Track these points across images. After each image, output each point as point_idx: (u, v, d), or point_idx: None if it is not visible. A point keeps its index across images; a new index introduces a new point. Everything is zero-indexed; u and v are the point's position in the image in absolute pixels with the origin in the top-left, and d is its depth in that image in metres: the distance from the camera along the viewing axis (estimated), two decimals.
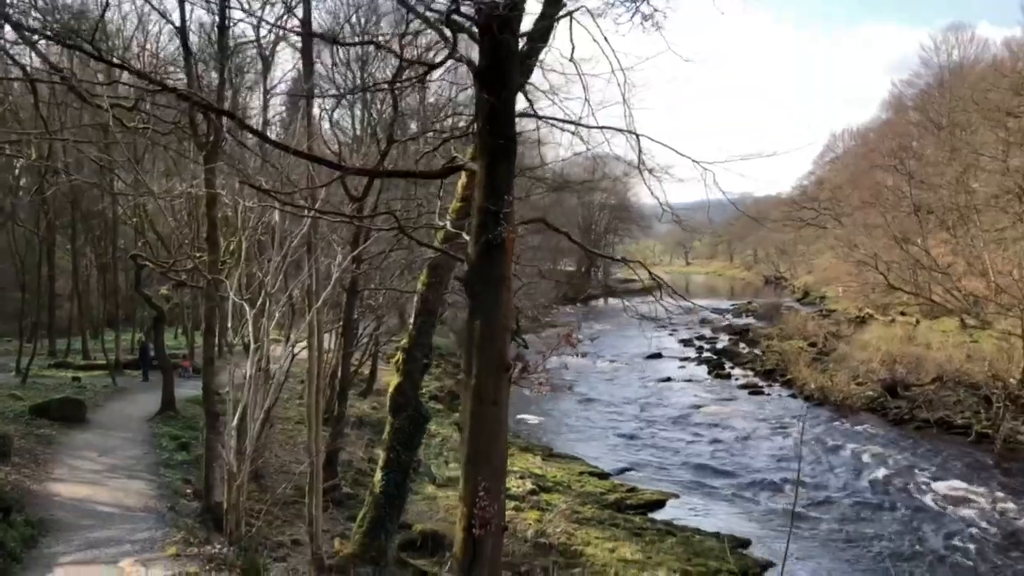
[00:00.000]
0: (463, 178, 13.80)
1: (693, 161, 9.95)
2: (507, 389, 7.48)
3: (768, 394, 41.65)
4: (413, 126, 25.99)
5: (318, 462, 12.43)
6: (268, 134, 21.05)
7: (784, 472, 27.42)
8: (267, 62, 30.50)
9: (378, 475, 14.30)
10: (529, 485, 23.70)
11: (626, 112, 9.69)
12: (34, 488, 14.69)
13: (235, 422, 8.65)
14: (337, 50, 22.54)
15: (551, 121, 9.45)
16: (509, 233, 7.27)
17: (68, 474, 16.26)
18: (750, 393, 41.77)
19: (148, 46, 30.82)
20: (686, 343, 61.32)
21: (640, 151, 9.91)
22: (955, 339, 42.66)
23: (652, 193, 10.49)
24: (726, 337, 63.62)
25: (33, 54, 18.04)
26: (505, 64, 7.33)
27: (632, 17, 8.51)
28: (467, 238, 13.96)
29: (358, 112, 30.13)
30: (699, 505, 24.34)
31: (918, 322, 50.41)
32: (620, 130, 9.84)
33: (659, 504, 24.17)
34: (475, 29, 7.40)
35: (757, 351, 56.51)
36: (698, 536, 20.83)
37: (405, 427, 14.19)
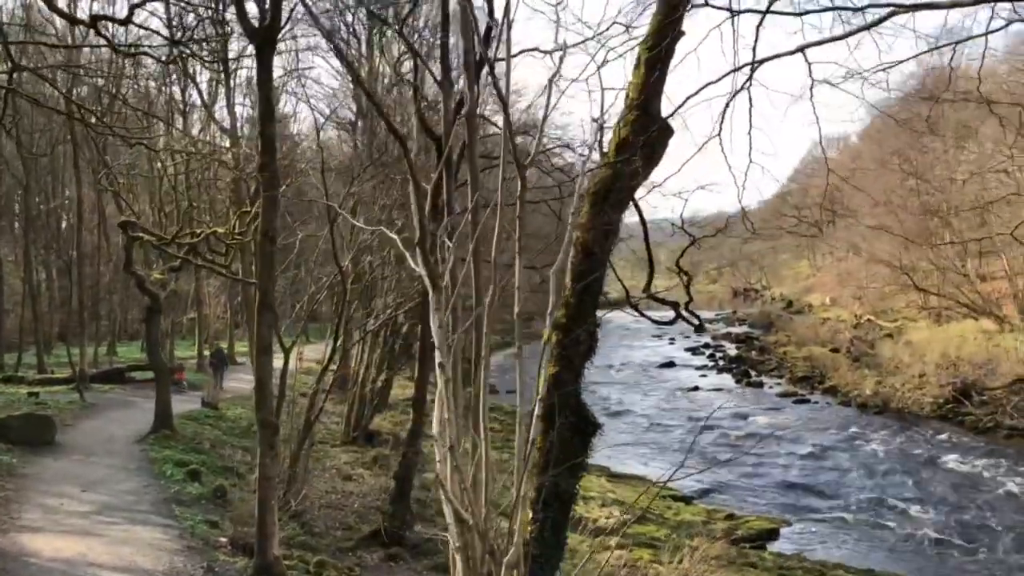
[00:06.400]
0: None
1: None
2: None
3: (815, 402, 37.72)
4: None
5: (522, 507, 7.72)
6: None
7: (893, 489, 23.39)
8: None
9: (526, 512, 9.63)
10: (617, 514, 19.18)
11: None
12: (1, 544, 9.74)
13: None
14: None
15: None
16: None
17: (45, 520, 11.30)
18: (794, 402, 37.78)
19: None
20: (693, 351, 57.49)
21: None
22: (1007, 342, 39.36)
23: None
24: (731, 346, 60.05)
25: None
26: None
27: None
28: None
29: None
30: (822, 533, 20.10)
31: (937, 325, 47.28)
32: None
33: (772, 534, 19.85)
34: None
35: (773, 359, 52.91)
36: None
37: (566, 440, 9.58)
